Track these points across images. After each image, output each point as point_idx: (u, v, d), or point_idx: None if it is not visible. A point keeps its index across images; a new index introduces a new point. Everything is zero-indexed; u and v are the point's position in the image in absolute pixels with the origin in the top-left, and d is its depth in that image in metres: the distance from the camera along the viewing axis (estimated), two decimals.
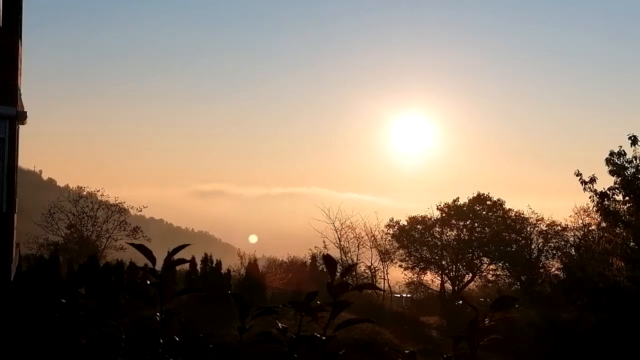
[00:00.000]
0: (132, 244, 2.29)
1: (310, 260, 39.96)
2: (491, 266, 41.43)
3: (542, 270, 40.38)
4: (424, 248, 41.79)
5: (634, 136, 23.74)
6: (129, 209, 41.95)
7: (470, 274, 41.57)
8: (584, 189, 23.94)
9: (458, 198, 42.02)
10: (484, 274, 41.51)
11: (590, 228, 36.27)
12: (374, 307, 33.41)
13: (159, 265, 2.36)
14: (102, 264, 31.24)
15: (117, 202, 40.65)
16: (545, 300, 34.21)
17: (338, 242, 41.89)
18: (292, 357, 2.11)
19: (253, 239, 38.99)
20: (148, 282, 2.28)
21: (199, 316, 23.40)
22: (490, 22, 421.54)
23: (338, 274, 2.27)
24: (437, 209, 42.17)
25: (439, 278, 42.02)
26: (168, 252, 2.40)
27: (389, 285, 42.84)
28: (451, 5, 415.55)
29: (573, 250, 38.76)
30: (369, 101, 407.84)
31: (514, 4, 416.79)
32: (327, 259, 2.27)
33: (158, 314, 2.26)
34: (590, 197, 24.02)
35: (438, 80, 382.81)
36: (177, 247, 2.40)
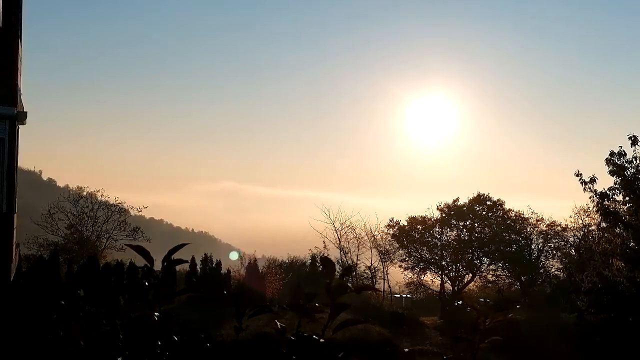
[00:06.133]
0: (130, 245, 2.29)
1: (310, 261, 40.02)
2: (491, 266, 41.47)
3: (542, 271, 40.40)
4: (424, 248, 41.83)
5: (634, 136, 23.72)
6: (129, 209, 41.96)
7: (470, 274, 41.59)
8: (584, 189, 23.92)
9: (458, 198, 42.12)
10: (484, 274, 41.55)
11: (590, 228, 36.28)
12: (373, 307, 33.43)
13: (157, 266, 2.35)
14: (102, 264, 31.23)
15: (117, 202, 40.69)
16: (545, 300, 34.21)
17: (338, 242, 41.95)
18: (290, 358, 2.10)
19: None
20: (146, 282, 2.27)
21: (198, 316, 23.39)
22: (487, 22, 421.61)
23: (337, 275, 2.26)
24: (437, 209, 42.25)
25: (439, 278, 42.06)
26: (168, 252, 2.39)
27: (389, 286, 42.88)
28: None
29: (573, 250, 38.79)
30: (376, 98, 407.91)
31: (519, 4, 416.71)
32: (325, 261, 2.26)
33: (156, 314, 2.26)
34: (590, 198, 24.01)
35: (441, 77, 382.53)
36: (175, 247, 2.39)
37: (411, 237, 41.71)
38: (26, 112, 16.93)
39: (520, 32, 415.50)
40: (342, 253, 41.83)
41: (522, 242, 40.85)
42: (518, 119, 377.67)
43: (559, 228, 40.57)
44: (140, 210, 44.38)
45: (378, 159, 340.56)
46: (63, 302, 2.23)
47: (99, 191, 41.24)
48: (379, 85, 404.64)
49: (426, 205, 44.93)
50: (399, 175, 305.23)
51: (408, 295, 42.66)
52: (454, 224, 41.83)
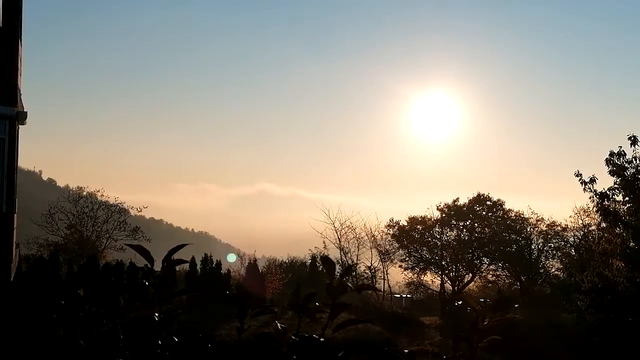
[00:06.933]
0: (130, 245, 2.28)
1: (310, 261, 40.01)
2: (491, 266, 41.43)
3: (542, 271, 40.39)
4: (424, 248, 41.78)
5: (634, 136, 23.69)
6: (129, 209, 41.95)
7: (470, 274, 41.55)
8: (584, 189, 23.89)
9: (458, 198, 42.07)
10: (484, 274, 41.50)
11: (590, 228, 36.25)
12: (373, 307, 33.42)
13: (157, 266, 2.35)
14: (102, 264, 31.24)
15: (117, 202, 40.68)
16: (545, 300, 34.20)
17: (338, 242, 41.92)
18: (291, 358, 2.10)
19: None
20: (146, 282, 2.27)
21: (199, 316, 23.39)
22: (491, 21, 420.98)
23: (337, 275, 2.26)
24: (437, 209, 42.20)
25: (439, 278, 42.03)
26: (168, 252, 2.38)
27: (389, 286, 42.86)
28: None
29: (573, 250, 38.77)
30: (381, 95, 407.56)
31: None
32: (325, 260, 2.26)
33: (157, 314, 2.26)
34: (590, 198, 23.98)
35: (440, 78, 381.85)
36: (176, 247, 2.39)
37: (411, 237, 41.66)
38: (26, 112, 16.92)
39: (521, 31, 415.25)
40: (342, 253, 41.82)
41: (522, 242, 40.81)
42: (518, 119, 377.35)
43: (559, 228, 40.56)
44: (140, 210, 44.41)
45: (378, 160, 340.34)
46: (63, 302, 2.23)
47: (99, 191, 41.29)
48: (380, 87, 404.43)
49: (426, 205, 44.95)
50: (398, 176, 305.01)
51: (408, 295, 42.63)
52: (454, 224, 41.78)
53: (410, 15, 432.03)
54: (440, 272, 41.53)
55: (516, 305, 2.16)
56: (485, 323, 2.08)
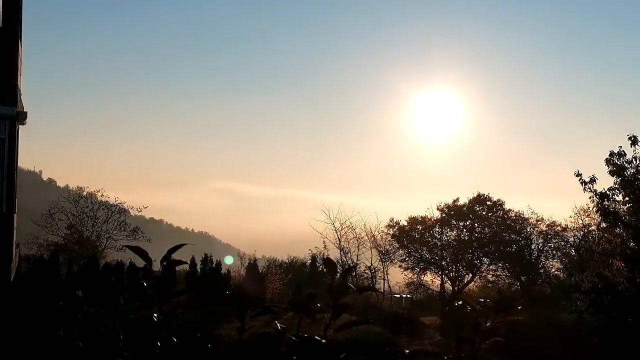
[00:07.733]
0: (128, 246, 2.27)
1: (310, 261, 40.02)
2: (491, 266, 41.42)
3: (542, 271, 40.39)
4: (424, 248, 41.77)
5: (634, 136, 23.70)
6: (129, 210, 41.96)
7: (470, 274, 41.54)
8: (584, 189, 23.90)
9: (458, 198, 42.06)
10: (484, 274, 41.50)
11: (590, 228, 36.25)
12: (373, 307, 33.41)
13: (157, 266, 2.34)
14: (102, 264, 31.23)
15: (117, 202, 40.69)
16: (546, 300, 34.21)
17: (338, 242, 41.93)
18: (291, 358, 2.09)
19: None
20: (144, 283, 2.26)
21: (199, 316, 23.38)
22: (489, 21, 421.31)
23: (338, 276, 2.25)
24: (437, 209, 42.19)
25: (439, 278, 42.02)
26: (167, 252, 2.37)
27: (389, 286, 42.87)
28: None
29: (573, 250, 38.78)
30: (383, 93, 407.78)
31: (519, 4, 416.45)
32: (327, 262, 2.25)
33: (156, 314, 2.25)
34: (590, 198, 23.99)
35: (440, 77, 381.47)
36: (175, 247, 2.38)
37: (411, 237, 41.64)
38: (26, 112, 16.92)
39: (523, 29, 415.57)
40: (342, 253, 41.83)
41: (522, 242, 40.81)
42: (519, 119, 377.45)
43: (559, 228, 40.56)
44: (140, 211, 44.41)
45: (378, 159, 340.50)
46: (61, 304, 2.22)
47: (99, 191, 41.30)
48: (382, 86, 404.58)
49: (427, 205, 44.93)
50: (399, 176, 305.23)
51: (408, 295, 42.63)
52: (454, 224, 41.76)
53: (411, 13, 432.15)
54: (440, 272, 41.52)
55: (520, 307, 2.15)
56: (487, 324, 2.07)
